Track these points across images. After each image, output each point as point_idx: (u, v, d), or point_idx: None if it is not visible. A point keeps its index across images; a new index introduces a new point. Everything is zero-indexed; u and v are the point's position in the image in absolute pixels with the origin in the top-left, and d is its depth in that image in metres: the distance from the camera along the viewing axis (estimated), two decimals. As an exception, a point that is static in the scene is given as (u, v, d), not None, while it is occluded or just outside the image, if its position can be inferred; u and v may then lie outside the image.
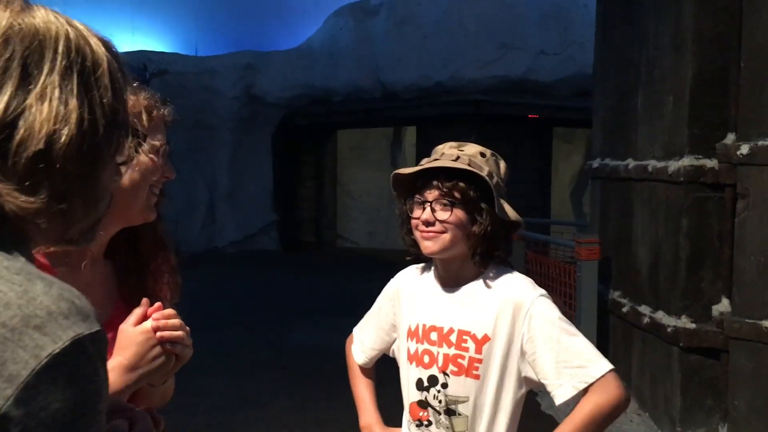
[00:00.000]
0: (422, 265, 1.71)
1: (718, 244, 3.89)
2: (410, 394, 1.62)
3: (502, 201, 1.56)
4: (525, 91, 11.23)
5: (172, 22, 12.76)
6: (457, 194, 1.51)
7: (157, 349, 1.09)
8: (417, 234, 1.57)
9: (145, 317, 1.10)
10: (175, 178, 1.25)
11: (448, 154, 1.56)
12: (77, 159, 0.69)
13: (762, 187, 3.58)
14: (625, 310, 4.58)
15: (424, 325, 1.61)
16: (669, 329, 3.96)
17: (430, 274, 1.68)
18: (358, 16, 12.17)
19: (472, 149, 1.58)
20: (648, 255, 4.37)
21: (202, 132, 12.20)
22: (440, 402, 1.57)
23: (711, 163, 3.85)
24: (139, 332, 1.09)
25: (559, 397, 1.47)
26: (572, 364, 1.46)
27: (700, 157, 3.88)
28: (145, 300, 1.13)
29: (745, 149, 3.62)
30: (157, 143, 1.18)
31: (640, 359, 4.47)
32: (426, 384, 1.59)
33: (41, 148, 0.66)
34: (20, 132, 0.66)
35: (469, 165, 1.52)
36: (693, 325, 3.89)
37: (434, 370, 1.58)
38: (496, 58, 11.06)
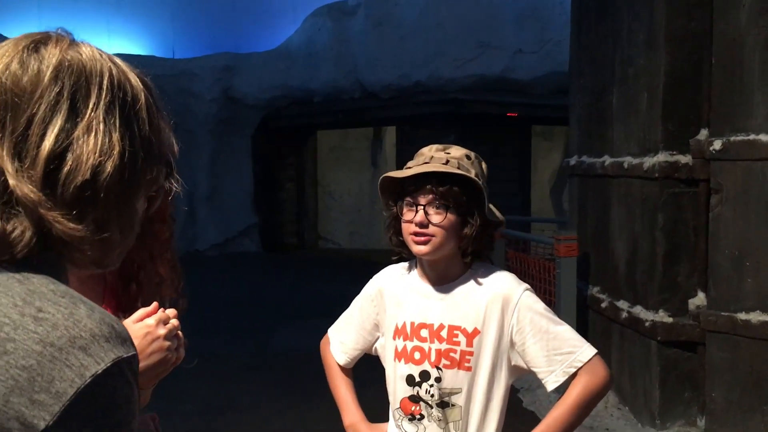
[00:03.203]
0: (405, 264, 1.75)
1: (694, 239, 3.95)
2: (399, 390, 1.67)
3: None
4: (503, 89, 11.28)
5: (149, 24, 12.66)
6: (450, 198, 1.56)
7: (157, 344, 1.12)
8: (407, 236, 1.61)
9: (148, 316, 1.15)
10: None
11: (437, 157, 1.60)
12: (118, 189, 0.73)
13: (735, 182, 3.64)
14: (603, 305, 4.63)
15: (412, 323, 1.66)
16: (647, 323, 4.01)
17: (414, 273, 1.72)
18: (335, 16, 12.15)
19: (458, 152, 1.62)
20: (625, 251, 4.42)
21: (181, 135, 11.85)
22: (433, 396, 1.63)
23: (685, 158, 3.91)
24: (139, 327, 1.13)
25: (552, 383, 1.57)
26: (561, 351, 1.56)
27: (674, 153, 3.94)
28: (155, 303, 1.17)
29: (718, 145, 3.68)
30: None
31: (619, 354, 4.52)
32: (418, 379, 1.64)
33: (88, 178, 0.70)
34: (68, 163, 0.69)
35: (458, 169, 1.57)
36: (670, 319, 3.95)
37: (426, 366, 1.63)
38: (474, 57, 11.10)
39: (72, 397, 0.62)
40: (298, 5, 12.67)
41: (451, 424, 1.62)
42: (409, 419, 1.65)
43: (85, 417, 0.63)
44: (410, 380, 1.65)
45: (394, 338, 1.68)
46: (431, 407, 1.63)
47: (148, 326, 1.13)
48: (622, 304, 4.37)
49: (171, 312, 1.17)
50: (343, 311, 1.83)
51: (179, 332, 1.17)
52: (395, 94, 11.56)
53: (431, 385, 1.62)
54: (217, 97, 12.42)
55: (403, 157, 12.14)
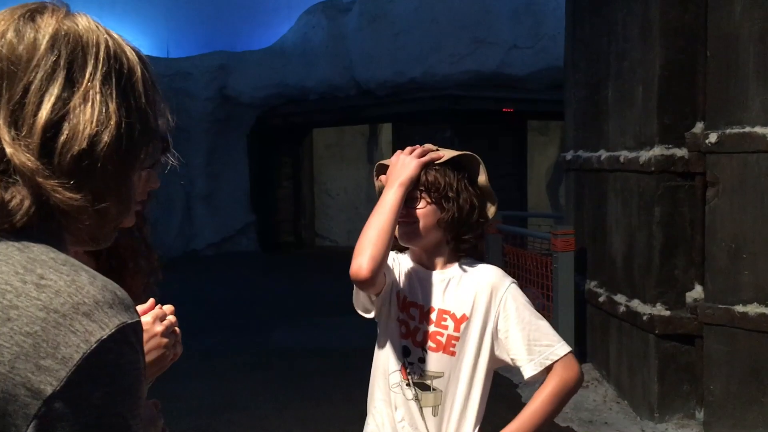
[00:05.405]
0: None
1: (690, 232, 3.95)
2: (396, 360, 1.69)
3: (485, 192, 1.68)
4: (499, 85, 11.27)
5: (143, 23, 12.63)
6: (432, 187, 1.64)
7: (154, 342, 1.12)
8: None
9: (144, 313, 1.13)
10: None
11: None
12: (115, 160, 0.72)
13: (731, 175, 3.65)
14: (601, 299, 4.63)
15: (405, 297, 1.71)
16: (644, 317, 4.02)
17: (411, 258, 1.77)
18: (330, 14, 12.13)
19: (449, 154, 1.69)
20: (622, 244, 4.43)
21: (177, 134, 11.93)
22: (411, 375, 1.67)
23: (681, 152, 3.91)
24: None
25: (528, 371, 1.63)
26: (541, 343, 1.63)
27: (670, 146, 3.94)
28: (151, 300, 1.16)
29: (713, 138, 3.68)
30: None
31: (618, 348, 4.53)
32: (405, 352, 1.69)
33: (84, 147, 0.69)
34: (65, 132, 0.69)
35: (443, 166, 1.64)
36: (668, 313, 3.95)
37: (409, 343, 1.68)
38: (469, 53, 11.09)
39: (78, 362, 0.62)
40: (293, 3, 12.65)
41: (429, 409, 1.65)
42: (407, 384, 1.67)
43: (92, 382, 0.62)
44: (405, 351, 1.68)
45: (396, 304, 1.71)
46: (408, 386, 1.66)
47: (145, 323, 1.11)
48: (620, 298, 4.37)
49: (168, 308, 1.16)
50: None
51: (176, 328, 1.16)
52: (391, 91, 11.54)
53: (411, 364, 1.67)
54: (213, 96, 12.39)
55: (400, 153, 12.06)
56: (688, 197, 3.95)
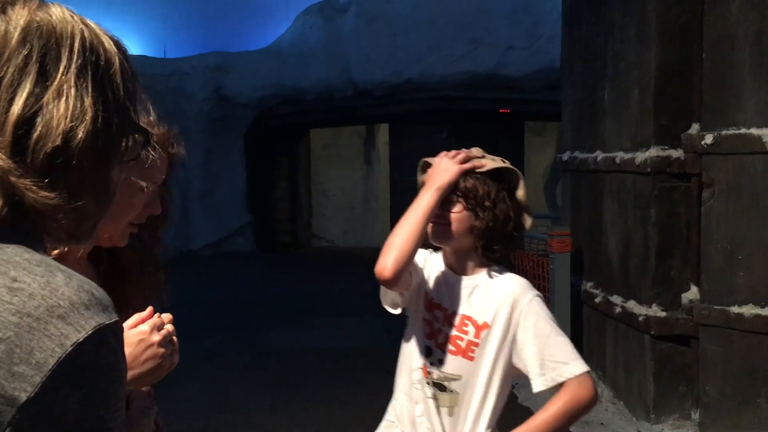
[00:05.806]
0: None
1: (686, 233, 3.96)
2: (419, 357, 1.73)
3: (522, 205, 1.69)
4: (496, 86, 11.28)
5: (140, 23, 12.61)
6: (470, 193, 1.64)
7: (151, 352, 1.11)
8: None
9: (142, 322, 1.12)
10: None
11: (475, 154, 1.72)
12: (92, 156, 0.70)
13: (726, 176, 3.66)
14: (597, 300, 4.64)
15: (432, 299, 1.73)
16: (640, 318, 4.03)
17: (443, 260, 1.79)
18: (327, 14, 12.13)
19: (492, 163, 1.70)
20: (618, 245, 4.44)
21: (173, 134, 12.03)
22: (431, 374, 1.70)
23: (677, 153, 3.92)
24: (134, 334, 1.10)
25: (539, 385, 1.62)
26: (556, 360, 1.61)
27: (666, 147, 3.95)
28: (150, 308, 1.15)
29: (709, 139, 3.69)
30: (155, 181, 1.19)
31: (614, 348, 4.54)
32: (427, 352, 1.72)
33: (58, 144, 0.67)
34: (38, 129, 0.66)
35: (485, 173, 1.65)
36: (663, 314, 3.96)
37: (432, 344, 1.71)
38: (466, 54, 11.10)
39: (53, 367, 0.60)
40: (290, 3, 12.64)
41: (445, 409, 1.68)
42: (427, 383, 1.71)
43: (69, 387, 0.61)
44: (428, 352, 1.71)
45: (423, 301, 1.74)
46: (428, 384, 1.69)
47: (142, 333, 1.10)
48: (616, 299, 4.38)
49: (166, 317, 1.14)
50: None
51: (174, 338, 1.15)
52: (387, 92, 11.54)
53: (431, 363, 1.70)
54: (209, 96, 12.38)
55: (397, 154, 12.16)
56: (683, 198, 3.96)
